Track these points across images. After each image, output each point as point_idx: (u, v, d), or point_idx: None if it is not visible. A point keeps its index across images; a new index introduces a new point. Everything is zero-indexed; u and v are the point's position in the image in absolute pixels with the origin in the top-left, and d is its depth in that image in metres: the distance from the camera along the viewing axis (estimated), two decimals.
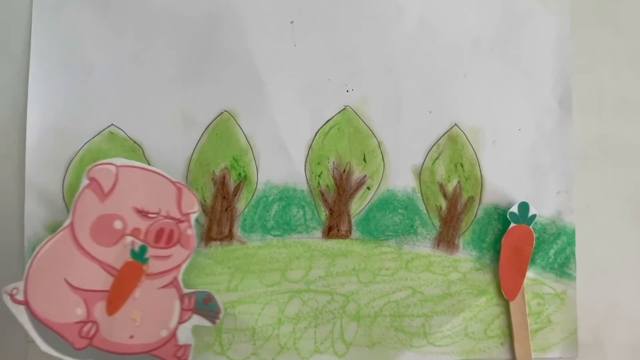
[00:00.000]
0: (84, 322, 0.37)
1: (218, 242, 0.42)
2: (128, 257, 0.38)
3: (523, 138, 0.44)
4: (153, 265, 0.38)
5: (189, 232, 0.38)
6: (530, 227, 0.42)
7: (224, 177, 0.43)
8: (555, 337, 0.43)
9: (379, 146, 0.43)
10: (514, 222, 0.42)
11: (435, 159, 0.43)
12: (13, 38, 0.43)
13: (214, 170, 0.42)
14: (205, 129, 0.43)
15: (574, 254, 0.43)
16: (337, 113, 0.43)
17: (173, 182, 0.38)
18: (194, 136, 0.42)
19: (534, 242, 0.42)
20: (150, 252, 0.38)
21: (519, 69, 0.44)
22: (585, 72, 0.44)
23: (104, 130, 0.42)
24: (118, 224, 0.38)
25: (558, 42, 0.44)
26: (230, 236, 0.42)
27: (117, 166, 0.38)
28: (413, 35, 0.44)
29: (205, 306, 0.38)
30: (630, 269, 0.44)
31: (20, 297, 0.37)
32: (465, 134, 0.43)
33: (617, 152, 0.45)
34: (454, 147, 0.43)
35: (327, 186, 0.43)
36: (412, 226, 0.43)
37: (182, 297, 0.38)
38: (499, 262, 0.42)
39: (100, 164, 0.38)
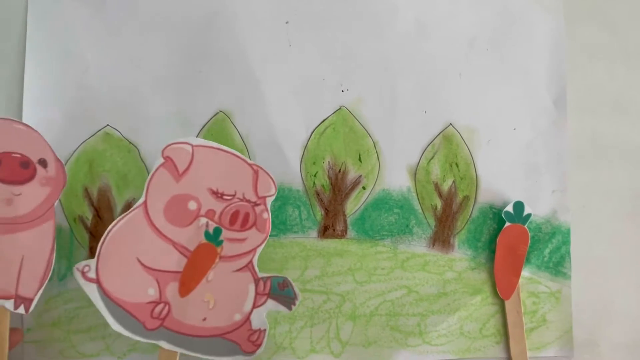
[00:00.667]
0: (156, 303, 0.36)
1: None
2: (202, 239, 0.36)
3: (518, 137, 0.44)
4: (227, 248, 0.37)
5: (265, 215, 0.37)
6: (526, 226, 0.42)
7: None
8: (551, 335, 0.43)
9: (374, 146, 0.43)
10: (509, 221, 0.42)
11: (431, 159, 0.43)
12: (9, 38, 0.42)
13: None
14: (201, 130, 0.43)
15: (569, 252, 0.43)
16: (333, 113, 0.43)
17: (250, 164, 0.37)
18: (190, 136, 0.42)
19: (529, 241, 0.42)
20: (225, 234, 0.36)
21: (513, 68, 0.44)
22: (579, 71, 0.44)
23: (99, 130, 0.42)
24: (192, 205, 0.36)
25: (553, 42, 0.44)
26: None
27: (193, 146, 0.37)
28: (408, 35, 0.44)
29: (281, 291, 0.37)
30: (625, 267, 0.44)
31: (91, 274, 0.36)
32: (461, 134, 0.43)
33: (612, 151, 0.45)
34: (449, 146, 0.43)
35: (323, 186, 0.43)
36: (407, 226, 0.43)
37: (257, 281, 0.37)
38: (494, 261, 0.43)
39: (176, 143, 0.37)
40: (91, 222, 0.42)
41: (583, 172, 0.44)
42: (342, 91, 0.43)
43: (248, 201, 0.37)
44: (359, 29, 0.43)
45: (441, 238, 0.43)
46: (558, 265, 0.43)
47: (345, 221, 0.43)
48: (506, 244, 0.42)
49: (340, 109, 0.43)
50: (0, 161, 0.33)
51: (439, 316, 0.43)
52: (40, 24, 0.42)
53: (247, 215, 0.36)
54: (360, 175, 0.43)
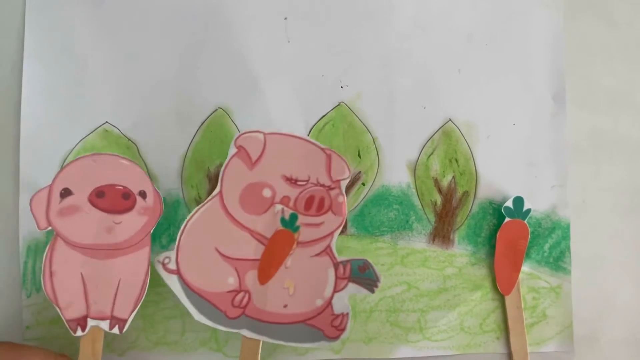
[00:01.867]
0: (237, 291, 0.37)
1: None
2: (278, 226, 0.37)
3: (517, 132, 0.44)
4: (304, 233, 0.37)
5: (340, 199, 0.37)
6: (525, 221, 0.42)
7: (219, 174, 0.42)
8: (551, 331, 0.43)
9: (374, 142, 0.43)
10: (509, 217, 0.42)
11: (430, 154, 0.43)
12: (7, 35, 0.42)
13: (208, 167, 0.42)
14: (200, 126, 0.43)
15: (568, 248, 0.43)
16: (332, 109, 0.43)
17: (322, 149, 0.37)
18: (189, 133, 0.42)
19: (529, 236, 0.42)
20: (301, 219, 0.37)
21: (512, 63, 0.44)
22: (578, 66, 0.44)
23: (98, 127, 0.42)
24: (267, 192, 0.37)
25: (551, 37, 0.44)
26: None
27: (265, 134, 0.37)
28: (407, 31, 0.44)
29: (362, 274, 0.36)
30: (625, 262, 0.44)
31: (172, 266, 0.37)
32: (460, 129, 0.43)
33: (611, 146, 0.45)
34: (448, 142, 0.43)
35: None
36: (407, 221, 0.43)
37: (336, 265, 0.37)
38: (494, 257, 0.42)
39: (247, 132, 0.37)
40: None
41: (582, 167, 0.44)
42: (341, 87, 0.43)
43: (322, 185, 0.37)
44: (357, 25, 0.43)
45: (441, 234, 0.43)
46: (558, 261, 0.43)
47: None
48: (506, 239, 0.42)
49: (339, 105, 0.43)
50: (105, 193, 0.36)
51: (439, 312, 0.43)
52: (38, 21, 0.42)
53: (322, 199, 0.37)
54: (360, 172, 0.43)
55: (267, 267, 0.37)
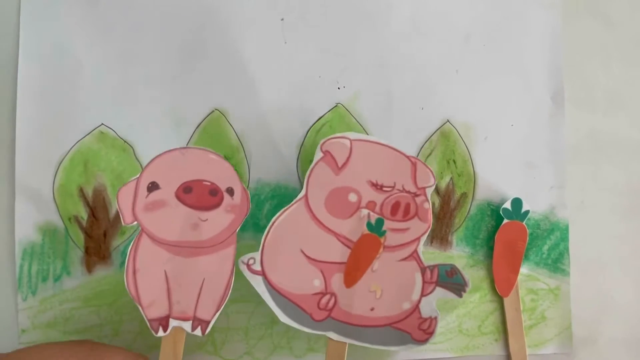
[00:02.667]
0: (322, 294, 0.37)
1: None
2: (364, 230, 0.37)
3: (516, 133, 0.44)
4: (391, 238, 0.37)
5: (426, 205, 0.37)
6: (524, 222, 0.42)
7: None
8: (550, 332, 0.43)
9: None
10: (507, 218, 0.42)
11: (428, 156, 0.43)
12: (2, 37, 0.42)
13: None
14: (196, 128, 0.42)
15: (567, 249, 0.43)
16: (329, 110, 0.43)
17: (408, 157, 0.38)
18: (185, 135, 0.42)
19: (528, 237, 0.42)
20: (387, 224, 0.37)
21: (510, 64, 0.44)
22: (577, 67, 0.44)
23: (94, 129, 0.42)
24: (353, 197, 0.37)
25: (550, 37, 0.44)
26: None
27: (351, 140, 0.38)
28: (404, 32, 0.43)
29: (450, 279, 0.37)
30: (624, 263, 0.44)
31: (256, 267, 0.36)
32: (458, 130, 0.43)
33: (610, 147, 0.44)
34: (446, 143, 0.43)
35: None
36: None
37: (423, 269, 0.37)
38: (493, 258, 0.42)
39: (334, 138, 0.37)
40: (87, 222, 0.42)
41: (581, 168, 0.44)
42: (339, 88, 0.43)
43: (408, 192, 0.37)
44: (354, 25, 0.43)
45: (439, 235, 0.43)
46: (557, 262, 0.43)
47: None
48: (504, 241, 0.42)
49: (336, 106, 0.43)
50: (192, 188, 0.35)
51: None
52: (34, 23, 0.42)
53: (407, 205, 0.37)
54: None
55: (354, 270, 0.37)
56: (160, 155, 0.35)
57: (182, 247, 0.35)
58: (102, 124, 0.42)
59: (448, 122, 0.43)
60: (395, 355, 0.42)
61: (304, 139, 0.43)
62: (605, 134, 0.44)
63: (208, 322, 0.35)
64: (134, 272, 0.35)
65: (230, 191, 0.36)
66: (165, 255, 0.35)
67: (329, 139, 0.37)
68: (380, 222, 0.37)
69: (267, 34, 0.43)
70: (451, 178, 0.43)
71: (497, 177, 0.43)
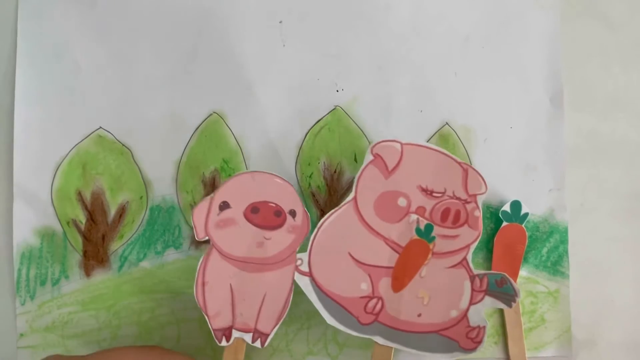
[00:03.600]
0: (369, 297, 0.37)
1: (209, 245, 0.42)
2: (413, 235, 0.37)
3: (514, 136, 0.43)
4: (440, 245, 0.37)
5: (477, 213, 0.37)
6: (523, 225, 0.42)
7: (214, 179, 0.42)
8: (549, 335, 0.43)
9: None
10: (506, 221, 0.42)
11: None
12: None
13: (203, 172, 0.42)
14: (195, 131, 0.42)
15: (567, 252, 0.43)
16: (327, 113, 0.43)
17: (459, 163, 0.37)
18: (183, 138, 0.42)
19: (527, 240, 0.42)
20: (437, 231, 0.37)
21: (509, 66, 0.43)
22: (576, 69, 0.44)
23: (92, 133, 0.42)
24: (402, 201, 0.37)
25: (548, 39, 0.44)
26: None
27: (402, 144, 0.38)
28: (403, 34, 0.43)
29: (500, 288, 0.36)
30: (624, 266, 0.44)
31: (304, 268, 0.37)
32: (457, 133, 0.43)
33: (609, 149, 0.44)
34: (445, 146, 0.43)
35: (318, 187, 0.43)
36: None
37: (472, 277, 0.37)
38: (492, 261, 0.42)
39: (385, 141, 0.38)
40: (85, 225, 0.41)
41: (580, 171, 0.44)
42: (337, 91, 0.43)
43: (458, 199, 0.37)
44: (353, 28, 0.43)
45: None
46: (556, 265, 0.43)
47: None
48: (504, 243, 0.42)
49: (335, 109, 0.43)
50: (259, 209, 0.37)
51: None
52: (31, 26, 0.42)
53: (458, 212, 0.37)
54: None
55: (402, 275, 0.37)
56: (232, 177, 0.37)
57: (248, 263, 0.37)
58: (100, 127, 0.42)
59: (447, 125, 0.43)
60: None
61: (303, 141, 0.43)
62: (604, 136, 0.44)
63: (267, 335, 0.37)
64: (203, 284, 0.37)
65: (293, 213, 0.38)
66: (232, 269, 0.37)
67: (379, 142, 0.37)
68: (429, 227, 0.37)
69: (265, 37, 0.43)
70: None
71: (496, 179, 0.43)
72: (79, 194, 0.42)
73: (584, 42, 0.44)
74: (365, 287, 0.37)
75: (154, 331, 0.41)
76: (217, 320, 0.37)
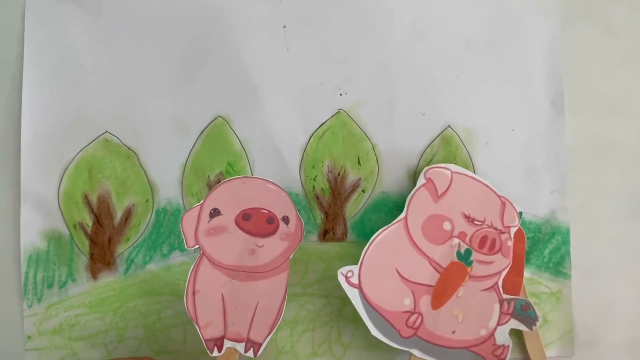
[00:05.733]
0: (411, 313, 0.39)
1: None
2: (454, 257, 0.39)
3: (516, 138, 0.44)
4: (476, 269, 0.39)
5: (509, 243, 0.40)
6: (520, 224, 0.42)
7: (219, 182, 0.43)
8: (552, 336, 0.43)
9: (373, 149, 0.43)
10: None
11: (430, 161, 0.43)
12: (6, 45, 0.43)
13: (208, 176, 0.43)
14: (200, 135, 0.43)
15: (568, 253, 0.44)
16: (331, 116, 0.43)
17: (499, 196, 0.40)
18: (189, 142, 0.43)
19: (530, 242, 0.42)
20: (474, 255, 0.39)
21: (511, 69, 0.44)
22: (577, 72, 0.45)
23: (98, 137, 0.42)
24: (447, 225, 0.39)
25: (549, 43, 0.44)
26: None
27: (452, 172, 0.40)
28: (405, 38, 0.44)
29: (524, 313, 0.39)
30: (625, 267, 0.44)
31: (354, 280, 0.38)
32: (459, 135, 0.44)
33: (610, 151, 0.45)
34: (447, 148, 0.43)
35: (322, 189, 0.43)
36: None
37: (501, 301, 0.39)
38: None
39: (437, 167, 0.40)
40: (91, 228, 0.42)
41: (581, 173, 0.44)
42: (340, 95, 0.43)
43: (495, 229, 0.40)
44: (355, 32, 0.43)
45: None
46: (558, 266, 0.43)
47: (345, 224, 0.43)
48: None
49: (338, 112, 0.43)
50: (251, 215, 0.37)
51: None
52: (38, 32, 0.42)
53: (494, 240, 0.39)
54: (360, 179, 0.43)
55: (441, 294, 0.39)
56: (222, 183, 0.37)
57: (239, 272, 0.37)
58: (107, 131, 0.42)
59: (449, 128, 0.44)
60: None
61: (307, 144, 0.43)
62: (605, 138, 0.45)
63: (260, 345, 0.37)
64: (194, 294, 0.36)
65: (286, 220, 0.37)
66: (223, 278, 0.37)
67: (432, 167, 0.40)
68: (468, 252, 0.39)
69: (269, 42, 0.43)
70: None
71: (498, 181, 0.43)
72: (86, 198, 0.42)
73: (584, 46, 0.45)
74: (408, 303, 0.39)
75: (160, 333, 0.41)
76: (209, 330, 0.36)
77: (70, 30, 0.43)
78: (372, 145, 0.43)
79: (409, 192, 0.43)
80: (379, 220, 0.43)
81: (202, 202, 0.37)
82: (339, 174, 0.43)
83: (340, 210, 0.43)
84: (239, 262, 0.37)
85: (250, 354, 0.37)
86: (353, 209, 0.43)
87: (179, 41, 0.43)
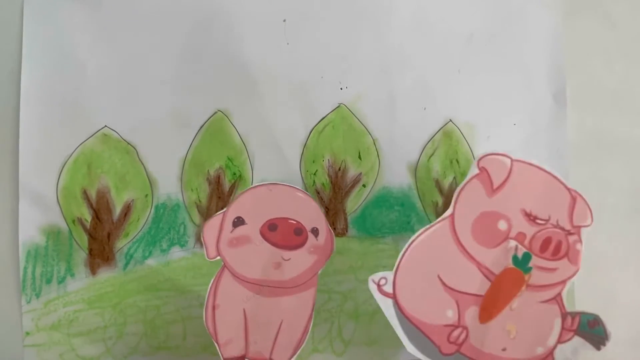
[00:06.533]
0: (454, 326, 0.34)
1: None
2: (509, 263, 0.34)
3: (518, 133, 0.44)
4: (536, 276, 0.34)
5: (578, 246, 0.34)
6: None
7: (219, 177, 0.42)
8: None
9: (374, 143, 0.43)
10: None
11: (431, 155, 0.43)
12: (4, 40, 0.42)
13: (208, 170, 0.42)
14: (199, 129, 0.42)
15: None
16: (332, 111, 0.43)
17: (569, 189, 0.34)
18: (188, 136, 0.42)
19: None
20: (534, 261, 0.34)
21: (512, 63, 0.44)
22: (579, 66, 0.44)
23: (97, 132, 0.42)
24: (503, 225, 0.34)
25: (551, 37, 0.44)
26: None
27: (512, 160, 0.34)
28: (406, 32, 0.43)
29: (591, 330, 0.34)
30: (628, 262, 0.44)
31: (388, 288, 0.33)
32: (460, 130, 0.43)
33: (612, 146, 0.45)
34: (449, 143, 0.43)
35: (323, 184, 0.43)
36: (408, 223, 0.43)
37: (564, 315, 0.34)
38: None
39: (494, 154, 0.34)
40: (90, 224, 0.42)
41: (583, 168, 0.44)
42: (341, 89, 0.43)
43: (562, 229, 0.34)
44: (357, 26, 0.43)
45: None
46: None
47: (345, 219, 0.43)
48: None
49: (339, 106, 0.43)
50: (277, 226, 0.34)
51: None
52: (36, 25, 0.42)
53: (559, 243, 0.34)
54: (360, 173, 0.43)
55: (491, 306, 0.34)
56: (247, 190, 0.34)
57: (263, 286, 0.34)
58: (106, 126, 0.42)
59: (451, 122, 0.43)
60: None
61: (307, 139, 0.43)
62: (607, 132, 0.44)
63: None
64: (214, 308, 0.34)
65: (315, 232, 0.34)
66: (246, 293, 0.34)
67: (487, 155, 0.34)
68: (527, 257, 0.34)
69: (269, 35, 0.43)
70: (454, 177, 0.43)
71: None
72: (85, 193, 0.42)
73: (586, 39, 0.45)
74: (451, 315, 0.34)
75: (160, 329, 0.41)
76: (229, 348, 0.34)
77: (69, 25, 0.42)
78: (373, 140, 0.43)
79: (410, 187, 0.43)
80: (380, 215, 0.43)
81: (225, 209, 0.34)
82: (339, 169, 0.43)
83: (340, 205, 0.43)
84: (264, 276, 0.34)
85: None
86: (354, 203, 0.43)
87: (179, 35, 0.43)
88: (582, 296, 0.43)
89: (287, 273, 0.34)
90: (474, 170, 0.34)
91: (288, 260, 0.34)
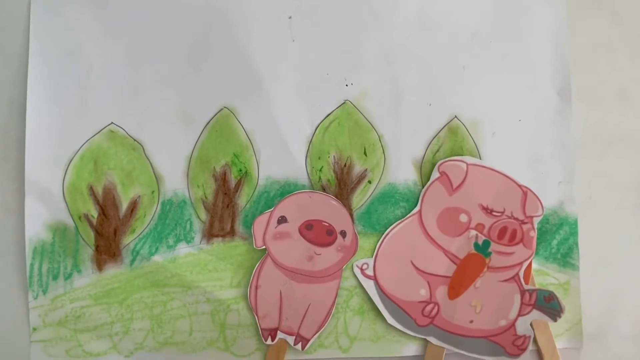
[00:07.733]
0: (427, 302, 0.40)
1: (220, 239, 0.42)
2: (471, 249, 0.40)
3: (523, 129, 0.44)
4: (495, 260, 0.40)
5: (532, 233, 0.40)
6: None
7: (225, 174, 0.42)
8: (560, 327, 0.43)
9: (379, 140, 0.43)
10: None
11: (436, 152, 0.43)
12: (12, 38, 0.43)
13: (214, 167, 0.42)
14: (205, 126, 0.43)
15: (576, 244, 0.43)
16: (337, 107, 0.43)
17: (519, 186, 0.41)
18: (194, 133, 0.42)
19: (537, 232, 0.42)
20: (493, 247, 0.40)
21: (517, 60, 0.44)
22: (583, 62, 0.44)
23: (103, 128, 0.42)
24: (463, 217, 0.40)
25: (556, 33, 0.44)
26: (232, 232, 0.42)
27: (467, 164, 0.41)
28: (411, 29, 0.44)
29: (547, 304, 0.39)
30: (633, 258, 0.44)
31: (369, 272, 0.41)
32: (465, 126, 0.43)
33: (617, 141, 0.44)
34: (454, 139, 0.43)
35: (328, 180, 0.43)
36: None
37: (522, 292, 0.40)
38: None
39: (451, 160, 0.41)
40: (97, 220, 0.42)
41: (589, 163, 0.44)
42: (346, 85, 0.43)
43: (516, 219, 0.40)
44: (361, 23, 0.43)
45: None
46: (566, 257, 0.43)
47: (351, 215, 0.43)
48: None
49: (344, 103, 0.43)
50: (313, 226, 0.41)
51: None
52: (43, 23, 0.42)
53: (514, 231, 0.40)
54: (366, 169, 0.43)
55: (458, 285, 0.40)
56: (292, 194, 0.41)
57: (297, 274, 0.41)
58: (112, 122, 0.42)
59: (456, 118, 0.43)
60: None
61: (313, 135, 0.43)
62: (612, 128, 0.44)
63: (308, 340, 0.41)
64: (256, 288, 0.41)
65: (343, 233, 0.41)
66: (283, 278, 0.41)
67: (446, 161, 0.41)
68: (487, 243, 0.40)
69: (275, 32, 0.43)
70: None
71: (505, 172, 0.43)
72: (91, 189, 0.42)
73: (591, 35, 0.45)
74: (424, 293, 0.40)
75: (166, 325, 0.41)
76: (266, 321, 0.41)
77: (76, 22, 0.43)
78: (379, 136, 0.43)
79: (415, 183, 0.43)
80: (386, 211, 0.43)
81: (273, 209, 0.41)
82: (345, 165, 0.43)
83: (346, 201, 0.43)
84: (298, 265, 0.41)
85: (299, 347, 0.40)
86: (359, 200, 0.43)
87: (185, 32, 0.43)
88: (588, 292, 0.43)
89: (317, 265, 0.41)
90: (435, 174, 0.41)
91: (319, 255, 0.41)
